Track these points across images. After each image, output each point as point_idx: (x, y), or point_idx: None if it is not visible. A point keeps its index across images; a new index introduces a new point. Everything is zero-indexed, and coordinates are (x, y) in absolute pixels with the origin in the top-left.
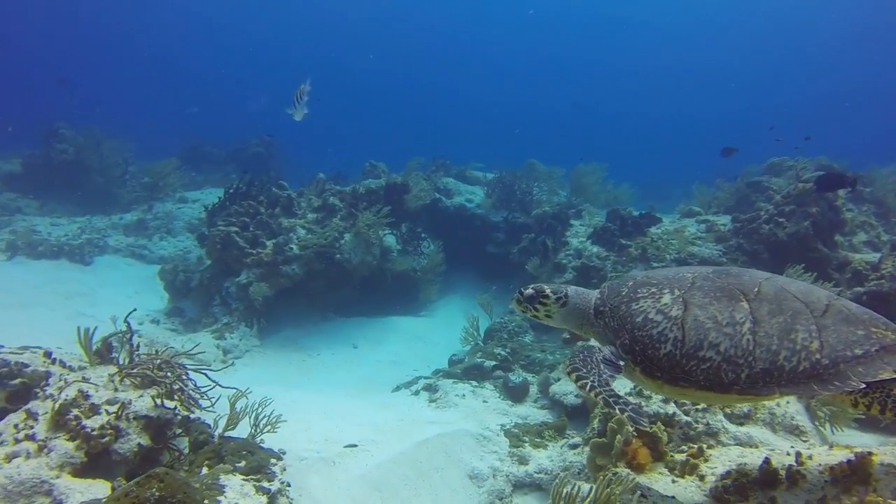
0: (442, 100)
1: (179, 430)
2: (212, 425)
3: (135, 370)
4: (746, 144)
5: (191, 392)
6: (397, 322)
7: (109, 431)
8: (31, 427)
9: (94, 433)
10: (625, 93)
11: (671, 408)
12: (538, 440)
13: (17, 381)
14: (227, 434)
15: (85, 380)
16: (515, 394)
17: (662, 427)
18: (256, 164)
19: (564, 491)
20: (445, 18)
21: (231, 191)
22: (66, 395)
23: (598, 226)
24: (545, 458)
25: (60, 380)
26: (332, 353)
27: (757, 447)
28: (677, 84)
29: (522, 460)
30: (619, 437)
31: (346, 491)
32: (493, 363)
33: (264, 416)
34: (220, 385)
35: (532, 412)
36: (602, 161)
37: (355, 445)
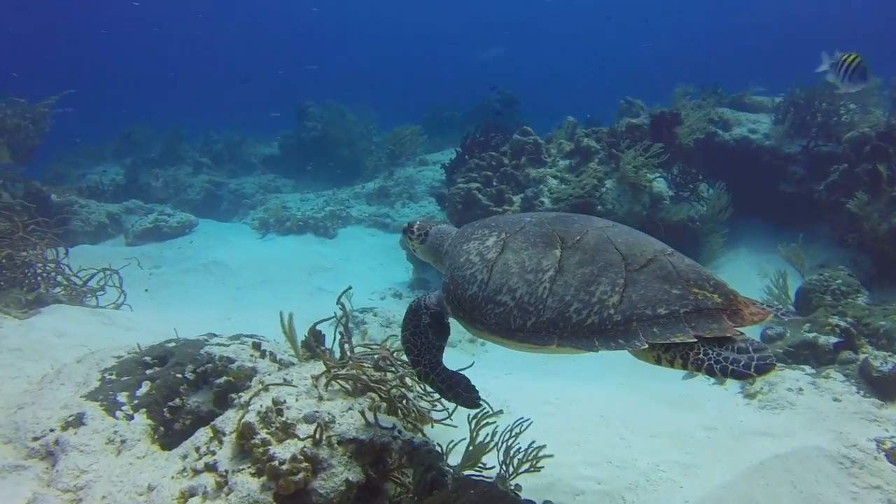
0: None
1: (401, 459)
2: (443, 453)
3: (342, 371)
4: None
5: (416, 402)
6: None
7: (304, 465)
8: (214, 452)
9: (284, 468)
10: None
11: None
12: None
13: (223, 379)
14: (466, 473)
15: (286, 382)
16: (884, 387)
17: None
18: (498, 120)
19: None
20: None
21: (468, 142)
22: (259, 407)
23: None
24: None
25: (259, 382)
26: None
27: None
28: None
29: None
30: None
31: None
32: (834, 339)
33: (519, 449)
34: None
35: None
36: None
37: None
